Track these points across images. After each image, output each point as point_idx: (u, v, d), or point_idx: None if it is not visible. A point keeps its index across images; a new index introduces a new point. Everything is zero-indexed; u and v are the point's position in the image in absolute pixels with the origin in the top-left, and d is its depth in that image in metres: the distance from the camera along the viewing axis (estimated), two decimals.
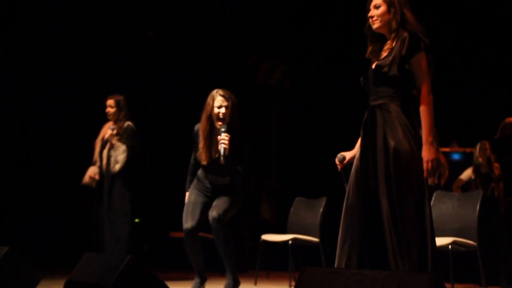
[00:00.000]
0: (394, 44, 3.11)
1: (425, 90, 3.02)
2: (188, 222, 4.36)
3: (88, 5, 7.54)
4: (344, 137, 4.52)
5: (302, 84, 9.11)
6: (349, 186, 3.09)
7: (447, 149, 7.60)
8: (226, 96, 4.32)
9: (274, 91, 9.31)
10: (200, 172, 4.50)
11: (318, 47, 8.75)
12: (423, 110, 3.00)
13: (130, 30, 7.76)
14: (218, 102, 4.31)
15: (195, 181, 4.52)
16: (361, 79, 3.21)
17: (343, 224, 3.04)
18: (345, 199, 3.08)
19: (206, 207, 4.41)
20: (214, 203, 4.36)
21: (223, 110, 4.29)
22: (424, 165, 2.94)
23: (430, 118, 2.99)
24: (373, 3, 3.19)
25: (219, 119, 4.29)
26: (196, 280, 4.47)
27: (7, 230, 6.66)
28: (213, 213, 4.26)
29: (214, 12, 8.15)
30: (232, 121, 4.29)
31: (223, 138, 4.18)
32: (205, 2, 8.10)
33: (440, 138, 7.84)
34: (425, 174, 2.95)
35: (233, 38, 8.25)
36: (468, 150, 7.53)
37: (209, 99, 4.36)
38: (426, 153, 2.95)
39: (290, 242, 5.68)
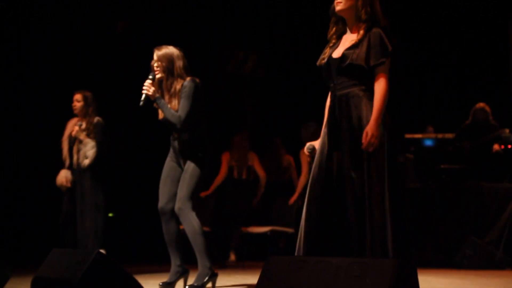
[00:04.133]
0: (362, 36, 3.09)
1: (383, 80, 3.05)
2: (159, 201, 4.23)
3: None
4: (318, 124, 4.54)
5: (276, 73, 9.10)
6: (313, 174, 3.09)
7: (419, 135, 7.66)
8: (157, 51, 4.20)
9: (248, 80, 9.29)
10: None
11: (291, 35, 8.74)
12: (378, 96, 3.03)
13: (99, 22, 7.66)
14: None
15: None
16: (321, 64, 3.19)
17: (306, 210, 3.03)
18: (309, 186, 3.08)
19: (176, 179, 4.21)
20: (179, 185, 4.15)
21: (155, 64, 4.18)
22: (368, 138, 2.96)
23: (383, 103, 3.03)
24: None
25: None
26: (172, 270, 4.25)
27: None
28: (176, 205, 4.12)
29: (186, 2, 8.08)
30: (166, 70, 4.14)
31: (144, 85, 4.09)
32: None
33: (415, 124, 7.92)
34: (364, 146, 2.96)
35: (206, 28, 8.20)
36: (440, 136, 7.60)
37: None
38: (372, 128, 2.97)
39: (268, 233, 5.70)
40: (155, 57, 4.18)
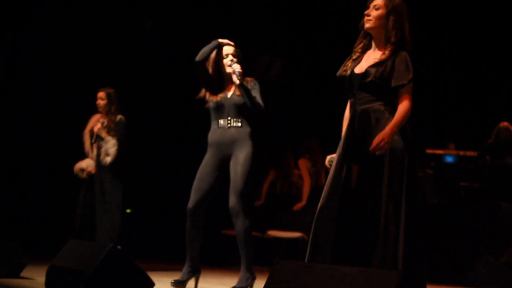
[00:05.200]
0: (388, 56, 3.11)
1: (407, 101, 3.07)
2: (190, 200, 4.24)
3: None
4: (338, 133, 4.56)
5: (300, 79, 9.12)
6: (328, 184, 3.11)
7: (440, 151, 7.64)
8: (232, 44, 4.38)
9: (272, 86, 9.32)
10: (212, 127, 4.35)
11: (316, 41, 8.76)
12: (399, 112, 3.06)
13: (128, 21, 7.76)
14: (225, 51, 4.35)
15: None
16: (343, 78, 3.21)
17: (317, 216, 3.06)
18: (323, 195, 3.10)
19: (212, 182, 4.23)
20: (231, 177, 4.15)
21: (230, 57, 4.30)
22: (378, 140, 2.97)
23: (403, 117, 3.05)
24: (374, 2, 3.17)
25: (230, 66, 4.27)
26: (185, 269, 4.28)
27: None
28: (231, 200, 4.11)
29: (212, 5, 8.15)
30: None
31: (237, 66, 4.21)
32: None
33: (437, 141, 7.90)
34: (372, 147, 2.98)
35: (231, 32, 8.25)
36: (461, 153, 7.57)
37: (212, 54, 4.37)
38: (386, 133, 2.99)
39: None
40: (231, 50, 4.33)
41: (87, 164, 5.82)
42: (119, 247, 4.49)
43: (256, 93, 4.24)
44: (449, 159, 7.61)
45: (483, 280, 6.00)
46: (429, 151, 7.55)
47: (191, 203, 4.23)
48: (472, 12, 7.90)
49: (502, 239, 6.28)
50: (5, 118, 7.30)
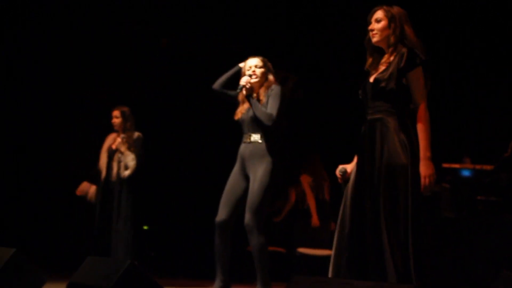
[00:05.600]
0: (392, 58, 3.17)
1: (422, 106, 3.08)
2: (218, 214, 4.24)
3: (97, 11, 7.63)
4: (352, 148, 4.58)
5: (314, 95, 9.15)
6: (345, 199, 3.14)
7: (456, 165, 7.61)
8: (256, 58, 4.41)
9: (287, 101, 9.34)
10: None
11: (330, 58, 8.79)
12: (420, 126, 3.07)
13: (142, 38, 7.85)
14: (248, 64, 4.39)
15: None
16: (359, 92, 3.27)
17: (337, 235, 3.09)
18: (341, 211, 3.13)
19: (239, 195, 4.24)
20: (248, 193, 4.14)
21: (252, 68, 4.33)
22: (422, 180, 2.99)
23: (427, 134, 3.06)
24: (374, 17, 3.26)
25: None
26: (216, 285, 4.27)
27: (13, 232, 6.76)
28: (246, 218, 4.11)
29: (228, 21, 8.22)
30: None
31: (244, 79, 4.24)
32: (219, 13, 8.18)
33: (452, 154, 7.88)
34: (422, 189, 2.99)
35: (246, 48, 8.31)
36: (478, 167, 7.53)
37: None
38: (425, 168, 3.01)
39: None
40: (253, 61, 4.34)
41: (91, 192, 5.93)
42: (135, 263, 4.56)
43: (272, 100, 4.19)
44: (466, 173, 7.57)
45: None
46: (445, 165, 7.52)
47: (219, 217, 4.23)
48: (488, 20, 7.90)
49: None
50: (26, 134, 7.41)
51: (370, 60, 3.32)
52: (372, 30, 3.24)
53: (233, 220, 4.25)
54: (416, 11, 3.50)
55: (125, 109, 6.02)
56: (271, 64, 4.49)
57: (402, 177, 3.01)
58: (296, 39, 8.52)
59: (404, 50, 3.14)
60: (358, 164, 3.17)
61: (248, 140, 4.27)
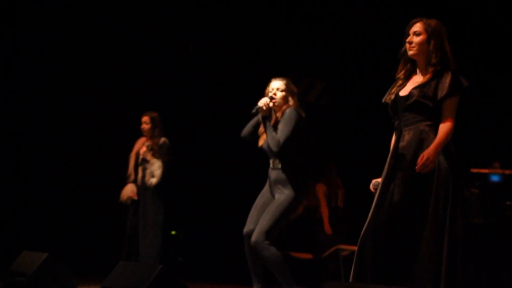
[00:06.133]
0: (431, 77, 3.16)
1: (450, 123, 3.11)
2: (246, 226, 4.28)
3: (123, 18, 7.72)
4: (379, 155, 4.57)
5: (341, 101, 9.13)
6: (375, 205, 3.15)
7: (486, 171, 7.55)
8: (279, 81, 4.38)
9: (313, 108, 9.35)
10: None
11: (357, 63, 8.78)
12: (442, 130, 3.09)
13: (170, 44, 7.91)
14: (271, 85, 4.37)
15: None
16: (387, 102, 3.27)
17: (361, 239, 3.10)
18: (370, 215, 3.13)
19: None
20: (264, 214, 4.19)
21: (274, 91, 4.32)
22: (423, 159, 3.01)
23: (446, 138, 3.10)
24: (413, 29, 3.24)
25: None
26: None
27: (47, 237, 6.86)
28: (253, 237, 4.14)
29: (253, 27, 8.26)
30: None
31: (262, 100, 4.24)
32: (245, 18, 8.23)
33: (481, 159, 7.81)
34: (417, 167, 3.01)
35: (272, 54, 8.34)
36: (507, 172, 7.46)
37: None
38: (430, 152, 3.03)
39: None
40: (276, 84, 4.34)
41: (130, 190, 5.97)
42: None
43: (282, 125, 4.21)
44: (495, 178, 7.51)
45: None
46: (474, 170, 7.46)
47: (246, 228, 4.28)
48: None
49: None
50: (63, 143, 7.53)
51: (403, 70, 3.30)
52: (411, 43, 3.23)
53: None
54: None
55: (154, 114, 6.04)
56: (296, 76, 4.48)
57: (447, 183, 3.03)
58: (311, 45, 8.53)
59: (447, 73, 3.12)
60: (389, 173, 3.15)
61: (272, 166, 4.31)
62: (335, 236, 6.93)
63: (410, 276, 2.98)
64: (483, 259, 6.38)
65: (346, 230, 7.08)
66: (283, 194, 4.21)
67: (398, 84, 3.31)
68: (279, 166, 4.26)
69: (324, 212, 6.98)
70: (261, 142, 4.38)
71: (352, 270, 3.07)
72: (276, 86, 4.34)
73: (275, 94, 4.30)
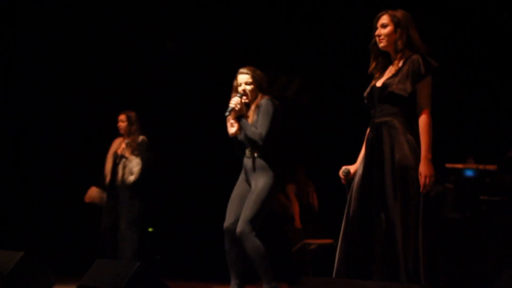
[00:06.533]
0: (401, 64, 3.21)
1: (426, 111, 3.15)
2: (226, 220, 4.29)
3: (101, 15, 7.68)
4: (357, 150, 4.62)
5: (319, 98, 9.18)
6: (350, 200, 3.19)
7: (460, 166, 7.63)
8: (245, 74, 4.35)
9: (290, 105, 9.38)
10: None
11: (335, 60, 8.83)
12: (422, 129, 3.14)
13: (147, 42, 7.90)
14: (239, 80, 4.36)
15: None
16: (365, 95, 3.32)
17: (342, 234, 3.14)
18: (346, 211, 3.18)
19: (244, 201, 4.27)
20: (244, 206, 4.20)
21: (243, 86, 4.33)
22: (422, 180, 3.05)
23: (429, 136, 3.14)
24: (380, 22, 3.31)
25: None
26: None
27: (22, 236, 6.81)
28: (238, 227, 4.15)
29: (231, 25, 8.27)
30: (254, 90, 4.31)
31: (233, 99, 4.25)
32: (222, 16, 8.23)
33: (455, 154, 7.90)
34: (421, 189, 3.05)
35: (249, 52, 8.36)
36: (481, 167, 7.56)
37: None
38: (425, 168, 3.07)
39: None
40: (243, 78, 4.33)
41: (99, 197, 5.98)
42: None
43: (261, 117, 4.24)
44: (469, 173, 7.60)
45: None
46: (448, 165, 7.55)
47: (226, 222, 4.29)
48: (490, 20, 7.93)
49: None
50: (33, 138, 7.47)
51: (374, 64, 3.37)
52: (379, 35, 3.29)
53: None
54: (419, 12, 3.53)
55: (131, 113, 6.06)
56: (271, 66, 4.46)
57: (412, 179, 3.07)
58: (291, 41, 8.56)
59: (415, 56, 3.19)
60: (365, 166, 3.22)
61: (249, 155, 4.33)
62: (305, 232, 7.24)
63: (389, 272, 3.01)
64: (458, 254, 6.45)
65: (317, 227, 7.42)
66: (261, 181, 4.22)
67: (376, 77, 3.35)
68: (256, 154, 4.27)
69: (296, 209, 7.30)
70: (231, 131, 4.36)
71: (335, 264, 3.11)
72: (244, 80, 4.34)
73: (244, 90, 4.31)
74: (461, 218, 6.88)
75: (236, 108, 4.26)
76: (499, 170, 7.26)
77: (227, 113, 4.28)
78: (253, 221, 4.16)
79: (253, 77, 4.33)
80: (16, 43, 7.57)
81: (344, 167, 3.38)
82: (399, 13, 3.30)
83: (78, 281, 3.56)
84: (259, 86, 4.33)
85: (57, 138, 7.57)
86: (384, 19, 3.30)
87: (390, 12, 3.31)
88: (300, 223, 7.25)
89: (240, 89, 4.32)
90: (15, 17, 7.50)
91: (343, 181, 3.36)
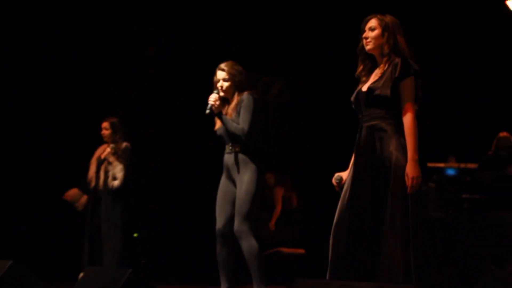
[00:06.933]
0: (386, 68, 3.26)
1: (410, 113, 3.19)
2: (217, 222, 4.30)
3: (85, 19, 7.66)
4: (341, 151, 4.67)
5: (300, 99, 9.22)
6: (341, 203, 3.23)
7: (441, 165, 7.73)
8: (221, 70, 4.38)
9: (272, 106, 9.42)
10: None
11: (318, 62, 8.88)
12: (408, 131, 3.18)
13: (129, 46, 7.89)
14: (217, 76, 4.39)
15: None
16: (352, 99, 3.37)
17: (333, 237, 3.18)
18: (337, 214, 3.22)
19: (232, 200, 4.29)
20: (236, 203, 4.22)
21: (220, 83, 4.36)
22: (409, 181, 3.10)
23: (414, 137, 3.18)
24: (368, 25, 3.35)
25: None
26: None
27: (10, 244, 6.77)
28: (235, 226, 4.18)
29: (213, 28, 8.28)
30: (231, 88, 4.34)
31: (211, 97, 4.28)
32: (204, 19, 8.25)
33: (437, 154, 8.00)
34: (408, 190, 3.10)
35: (232, 54, 8.37)
36: (462, 165, 7.66)
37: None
38: (412, 170, 3.12)
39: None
40: (221, 74, 4.35)
41: (80, 200, 5.99)
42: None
43: (242, 113, 4.25)
44: (450, 172, 7.69)
45: None
46: (430, 165, 7.64)
47: (218, 224, 4.30)
48: (472, 20, 8.03)
49: (507, 250, 6.35)
50: (21, 146, 7.43)
51: (361, 67, 3.42)
52: (366, 38, 3.33)
53: (231, 226, 4.29)
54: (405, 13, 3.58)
55: (114, 120, 6.09)
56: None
57: (401, 179, 3.13)
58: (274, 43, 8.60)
59: (397, 59, 3.24)
60: (355, 169, 3.26)
61: (230, 151, 4.34)
62: (279, 235, 7.58)
63: (380, 272, 3.06)
64: (441, 252, 6.53)
65: (291, 233, 7.78)
66: (246, 177, 4.24)
67: (362, 80, 3.40)
68: (237, 149, 4.29)
69: (277, 211, 7.59)
70: (217, 127, 4.41)
71: (328, 268, 3.15)
72: (221, 76, 4.37)
73: (221, 86, 4.34)
74: (443, 217, 6.97)
75: (215, 105, 4.27)
76: (480, 169, 7.36)
77: (207, 111, 4.29)
78: (249, 217, 4.18)
79: (229, 72, 4.35)
80: None
81: (336, 174, 3.42)
82: (387, 18, 3.36)
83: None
84: (236, 82, 4.35)
85: (45, 146, 7.54)
86: (373, 22, 3.35)
87: (378, 16, 3.37)
88: (274, 226, 7.59)
89: (218, 85, 4.35)
90: None
91: (336, 188, 3.40)
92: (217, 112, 4.30)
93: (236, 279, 4.38)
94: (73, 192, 6.08)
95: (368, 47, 3.34)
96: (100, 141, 6.16)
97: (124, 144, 6.03)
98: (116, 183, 5.90)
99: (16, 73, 7.53)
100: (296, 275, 6.78)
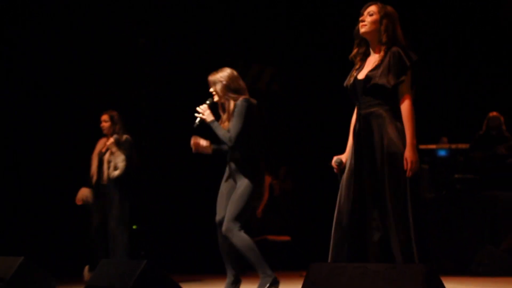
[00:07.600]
0: (384, 57, 3.34)
1: (408, 100, 3.29)
2: (217, 214, 4.37)
3: (76, 12, 7.66)
4: (333, 138, 4.76)
5: (291, 87, 9.29)
6: (342, 188, 3.34)
7: (433, 146, 7.84)
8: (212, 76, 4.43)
9: (263, 94, 9.48)
10: None
11: (307, 49, 8.93)
12: (406, 116, 3.28)
13: (121, 38, 7.90)
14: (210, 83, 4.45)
15: None
16: (348, 86, 3.44)
17: (336, 221, 3.29)
18: (338, 199, 3.33)
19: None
20: (229, 204, 4.30)
21: (212, 88, 4.42)
22: (409, 165, 3.21)
23: (412, 122, 3.28)
24: (368, 10, 3.42)
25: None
26: (228, 280, 4.36)
27: (22, 241, 6.82)
28: (224, 226, 4.24)
29: (203, 18, 8.32)
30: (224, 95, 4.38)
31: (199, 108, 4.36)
32: (194, 10, 8.28)
33: (430, 136, 8.09)
34: (407, 173, 3.21)
35: (222, 42, 8.41)
36: (453, 146, 7.77)
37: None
38: (411, 154, 3.23)
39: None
40: (212, 79, 4.39)
41: (86, 195, 6.05)
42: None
43: (234, 119, 4.29)
44: (442, 153, 7.78)
45: (485, 268, 6.21)
46: (422, 146, 7.73)
47: (217, 216, 4.37)
48: (461, 8, 8.12)
49: (500, 228, 6.49)
50: (26, 143, 7.45)
51: (356, 50, 3.49)
52: (363, 21, 3.40)
53: None
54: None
55: (114, 113, 6.12)
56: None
57: (401, 164, 3.23)
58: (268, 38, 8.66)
59: (395, 48, 3.33)
60: (355, 155, 3.35)
61: (229, 156, 4.42)
62: (266, 222, 7.76)
63: (384, 252, 3.18)
64: (437, 232, 6.66)
65: (276, 221, 8.03)
66: (243, 181, 4.32)
67: (356, 67, 3.47)
68: (236, 156, 4.37)
69: (264, 199, 7.57)
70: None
71: (330, 250, 3.26)
72: (212, 80, 4.41)
73: (214, 91, 4.39)
74: (436, 197, 7.09)
75: (204, 115, 4.36)
76: (471, 149, 7.48)
77: (197, 123, 4.36)
78: (237, 219, 4.26)
79: (219, 77, 4.37)
80: None
81: (336, 157, 3.50)
82: (388, 7, 3.43)
83: (79, 283, 3.62)
84: (223, 85, 4.37)
85: (50, 142, 7.54)
86: (372, 8, 3.41)
87: (379, 3, 3.44)
88: (261, 214, 7.73)
89: (211, 90, 4.43)
90: None
91: (336, 170, 3.48)
92: (209, 121, 4.37)
93: (242, 267, 4.46)
94: (81, 195, 6.07)
95: (362, 30, 3.39)
96: (101, 135, 6.17)
97: (125, 136, 6.06)
98: (116, 173, 5.91)
99: (13, 72, 7.52)
100: (283, 262, 7.09)
